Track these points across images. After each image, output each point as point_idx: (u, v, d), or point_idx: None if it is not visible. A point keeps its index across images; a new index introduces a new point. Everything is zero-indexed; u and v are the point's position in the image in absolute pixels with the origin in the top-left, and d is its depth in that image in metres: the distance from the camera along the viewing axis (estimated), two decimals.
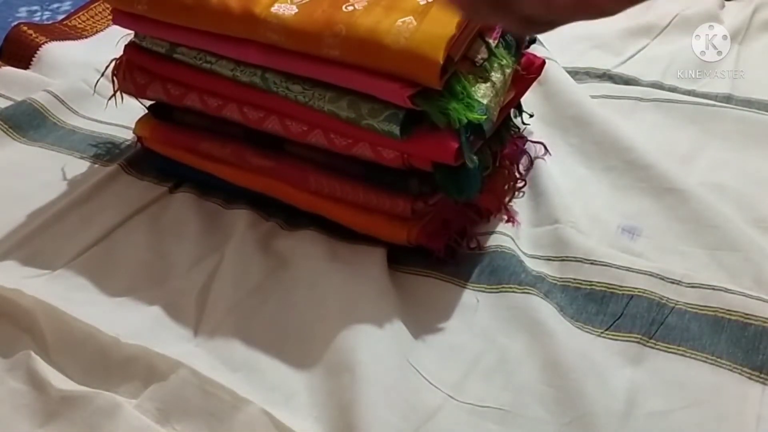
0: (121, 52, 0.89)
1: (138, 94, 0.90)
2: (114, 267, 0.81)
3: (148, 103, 0.91)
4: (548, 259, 0.79)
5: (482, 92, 0.72)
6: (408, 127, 0.71)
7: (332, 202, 0.81)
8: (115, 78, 0.90)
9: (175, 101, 0.86)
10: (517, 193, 0.87)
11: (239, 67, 0.79)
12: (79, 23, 1.28)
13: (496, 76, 0.74)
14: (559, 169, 0.90)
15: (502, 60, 0.75)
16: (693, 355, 0.67)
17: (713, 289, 0.71)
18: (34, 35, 1.17)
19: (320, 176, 0.80)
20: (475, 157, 0.72)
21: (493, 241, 0.80)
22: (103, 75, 0.93)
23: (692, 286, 0.72)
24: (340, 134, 0.76)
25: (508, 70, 0.76)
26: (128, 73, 0.88)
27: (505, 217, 0.83)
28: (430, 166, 0.74)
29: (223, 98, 0.82)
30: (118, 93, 0.91)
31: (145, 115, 0.92)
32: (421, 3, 0.71)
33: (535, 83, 0.88)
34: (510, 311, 0.72)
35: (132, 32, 0.88)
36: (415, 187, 0.76)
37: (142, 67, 0.87)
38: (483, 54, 0.74)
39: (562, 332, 0.69)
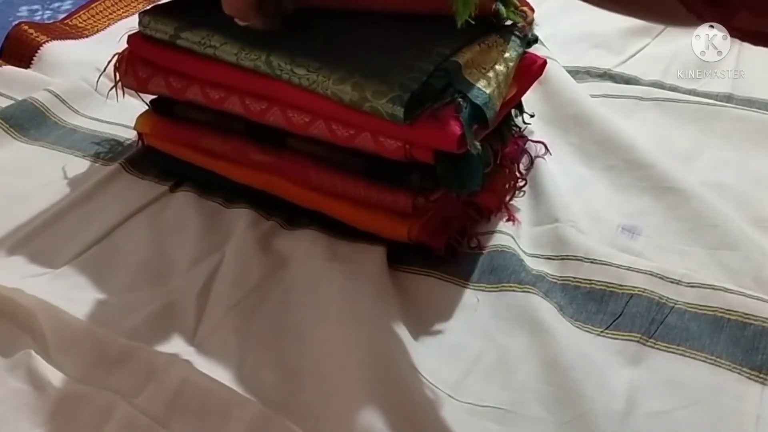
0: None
1: (139, 88, 0.90)
2: (114, 266, 0.81)
3: (149, 101, 0.91)
4: (548, 258, 0.79)
5: (484, 81, 0.73)
6: (411, 112, 0.71)
7: (333, 198, 0.81)
8: (116, 72, 0.90)
9: (177, 95, 0.86)
10: (517, 192, 0.87)
11: (243, 51, 0.79)
12: (80, 22, 1.28)
13: (499, 68, 0.75)
14: (559, 169, 0.90)
15: (505, 53, 0.76)
16: (692, 355, 0.67)
17: (713, 288, 0.71)
18: (34, 34, 1.17)
19: (321, 172, 0.80)
20: (478, 144, 0.72)
21: (494, 240, 0.80)
22: (104, 72, 0.93)
23: (692, 285, 0.72)
24: (342, 123, 0.76)
25: (511, 64, 0.77)
26: (130, 67, 0.88)
27: (506, 216, 0.83)
28: (432, 158, 0.73)
29: (226, 89, 0.82)
30: (120, 89, 0.90)
31: (146, 110, 0.91)
32: None
33: (535, 82, 0.88)
34: (510, 310, 0.72)
35: (133, 29, 0.88)
36: (416, 183, 0.76)
37: (145, 60, 0.87)
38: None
39: (561, 331, 0.69)
